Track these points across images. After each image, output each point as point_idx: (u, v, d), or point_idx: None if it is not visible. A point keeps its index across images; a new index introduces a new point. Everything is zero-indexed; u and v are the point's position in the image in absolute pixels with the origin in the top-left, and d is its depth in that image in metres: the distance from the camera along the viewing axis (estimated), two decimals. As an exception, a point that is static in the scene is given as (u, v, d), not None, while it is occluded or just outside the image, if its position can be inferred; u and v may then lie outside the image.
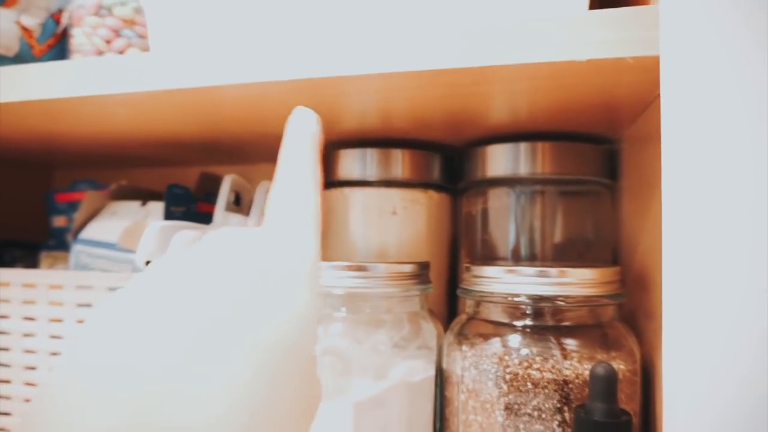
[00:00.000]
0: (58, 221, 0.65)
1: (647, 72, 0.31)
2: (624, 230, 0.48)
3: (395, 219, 0.52)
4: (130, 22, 0.49)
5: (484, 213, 0.51)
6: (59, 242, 0.64)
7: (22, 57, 0.48)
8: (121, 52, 0.49)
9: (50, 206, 0.65)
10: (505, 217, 0.50)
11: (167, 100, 0.40)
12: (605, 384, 0.29)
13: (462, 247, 0.54)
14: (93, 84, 0.39)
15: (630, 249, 0.45)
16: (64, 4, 0.51)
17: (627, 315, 0.40)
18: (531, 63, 0.31)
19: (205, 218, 0.50)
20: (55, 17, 0.50)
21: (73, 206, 0.64)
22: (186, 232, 0.40)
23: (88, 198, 0.53)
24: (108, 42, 0.49)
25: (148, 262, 0.39)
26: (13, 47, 0.47)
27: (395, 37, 0.33)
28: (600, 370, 0.30)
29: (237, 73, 0.36)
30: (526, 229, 0.50)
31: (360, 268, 0.39)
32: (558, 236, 0.49)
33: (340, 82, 0.36)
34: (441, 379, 0.40)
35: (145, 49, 0.49)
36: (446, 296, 0.54)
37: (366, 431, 0.37)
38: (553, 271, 0.35)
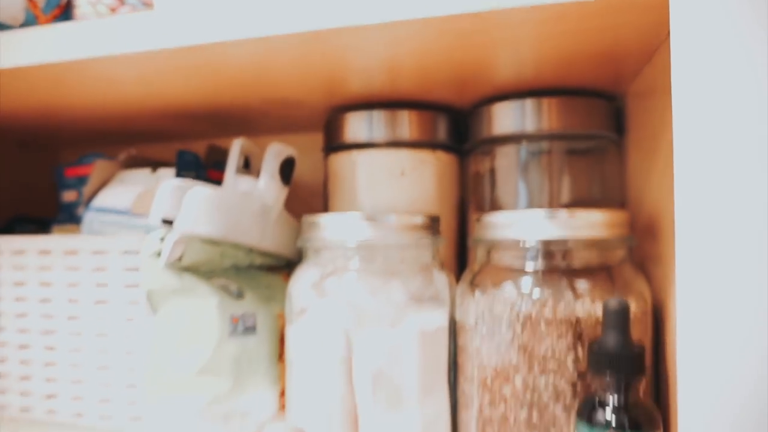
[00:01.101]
0: (68, 196, 0.65)
1: (654, 11, 0.31)
2: (631, 184, 0.49)
3: (404, 180, 0.52)
4: (134, -11, 0.49)
5: (492, 172, 0.52)
6: (69, 216, 0.64)
7: (27, 27, 0.48)
8: (126, 19, 0.49)
9: (59, 181, 0.65)
10: (513, 175, 0.51)
11: (173, 63, 0.41)
12: (618, 317, 0.30)
13: (470, 207, 0.55)
14: (99, 44, 0.39)
15: (638, 201, 0.45)
16: (68, -26, 0.51)
17: (637, 263, 0.41)
18: (538, 5, 0.31)
19: (215, 185, 0.50)
20: (60, -14, 0.51)
21: (82, 180, 0.64)
22: (199, 188, 0.40)
23: (97, 167, 0.53)
24: (113, 10, 0.49)
25: (164, 221, 0.39)
26: (18, 17, 0.48)
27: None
28: (613, 303, 0.30)
29: (240, 28, 0.36)
30: (535, 186, 0.50)
31: (372, 220, 0.39)
32: (566, 192, 0.49)
33: (346, 33, 0.36)
34: (454, 329, 0.41)
35: (151, 15, 0.49)
36: (456, 257, 0.55)
37: (383, 379, 0.38)
38: (563, 214, 0.35)
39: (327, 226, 0.40)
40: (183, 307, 0.40)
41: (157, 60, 0.40)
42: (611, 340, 0.30)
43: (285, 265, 0.53)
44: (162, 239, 0.40)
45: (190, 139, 0.73)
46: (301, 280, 0.41)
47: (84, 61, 0.41)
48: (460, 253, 0.55)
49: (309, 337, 0.40)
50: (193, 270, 0.42)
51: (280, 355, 0.46)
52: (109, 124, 0.64)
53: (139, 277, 0.45)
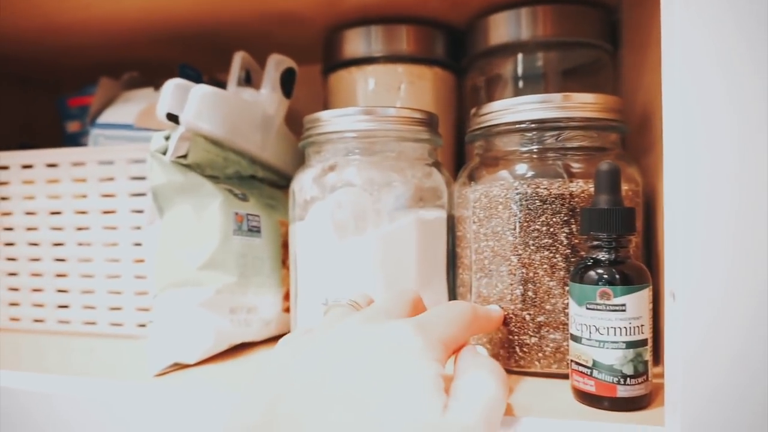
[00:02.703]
0: (72, 126, 0.66)
1: None
2: (624, 87, 0.50)
3: (401, 95, 0.53)
4: None
5: (489, 83, 0.52)
6: (74, 146, 0.65)
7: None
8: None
9: (63, 112, 0.66)
10: (509, 86, 0.51)
11: None
12: (609, 177, 0.31)
13: (468, 121, 0.55)
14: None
15: (631, 101, 0.46)
16: None
17: (631, 154, 0.42)
18: None
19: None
20: None
21: (85, 110, 0.65)
22: (204, 86, 0.41)
23: (102, 86, 0.54)
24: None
25: (168, 115, 0.40)
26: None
27: None
28: (604, 165, 0.31)
29: None
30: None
31: (370, 112, 0.40)
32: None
33: None
34: (453, 224, 0.42)
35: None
36: (453, 174, 0.56)
37: (384, 263, 0.39)
38: (557, 96, 0.36)
39: (327, 121, 0.41)
40: (188, 204, 0.42)
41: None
42: (602, 201, 0.31)
43: (285, 185, 0.54)
44: (167, 138, 0.41)
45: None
46: (304, 176, 0.43)
47: None
48: (458, 171, 0.56)
49: (313, 229, 0.41)
50: (197, 171, 0.43)
51: (284, 261, 0.48)
52: (109, 54, 0.64)
53: (146, 184, 0.46)
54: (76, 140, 0.66)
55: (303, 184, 0.42)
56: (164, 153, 0.41)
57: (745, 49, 0.24)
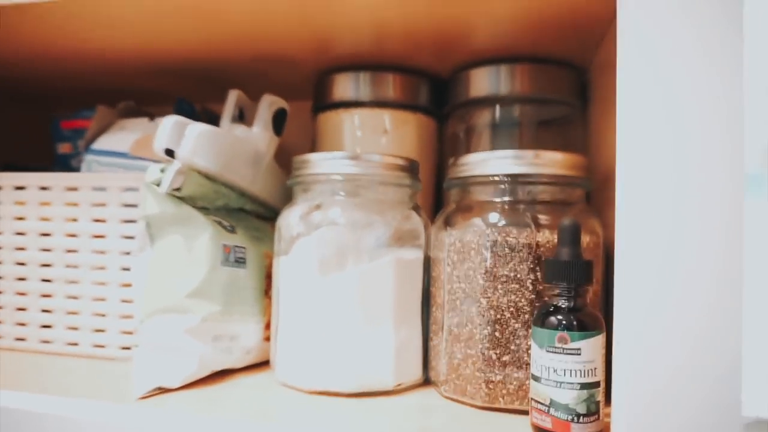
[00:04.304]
0: (63, 148, 0.68)
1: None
2: (592, 142, 0.54)
3: (386, 138, 0.57)
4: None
5: (468, 131, 0.56)
6: (64, 167, 0.67)
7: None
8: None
9: (55, 133, 0.68)
10: (486, 135, 0.55)
11: (166, 13, 0.44)
12: (570, 232, 0.35)
13: (447, 169, 0.59)
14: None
15: (597, 156, 0.50)
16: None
17: (596, 208, 0.46)
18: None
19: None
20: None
21: (77, 133, 0.67)
22: (200, 124, 0.44)
23: (99, 113, 0.56)
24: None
25: (166, 150, 0.43)
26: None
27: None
28: (566, 221, 0.35)
29: None
30: (506, 146, 0.54)
31: (356, 157, 0.43)
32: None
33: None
34: (428, 265, 0.45)
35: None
36: (432, 214, 0.59)
37: (363, 299, 0.42)
38: (529, 154, 0.40)
39: (315, 163, 0.44)
40: (179, 234, 0.44)
41: (148, 7, 0.43)
42: (564, 253, 0.34)
43: (272, 217, 0.57)
44: (162, 170, 0.44)
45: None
46: (291, 213, 0.45)
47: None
48: (436, 211, 0.59)
49: (297, 264, 0.43)
50: (189, 203, 0.45)
51: (266, 291, 0.50)
52: (102, 81, 0.66)
53: (137, 211, 0.48)
54: (66, 161, 0.67)
55: (290, 220, 0.45)
56: (159, 184, 0.44)
57: (693, 114, 0.28)
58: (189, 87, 0.67)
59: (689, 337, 0.28)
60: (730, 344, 0.28)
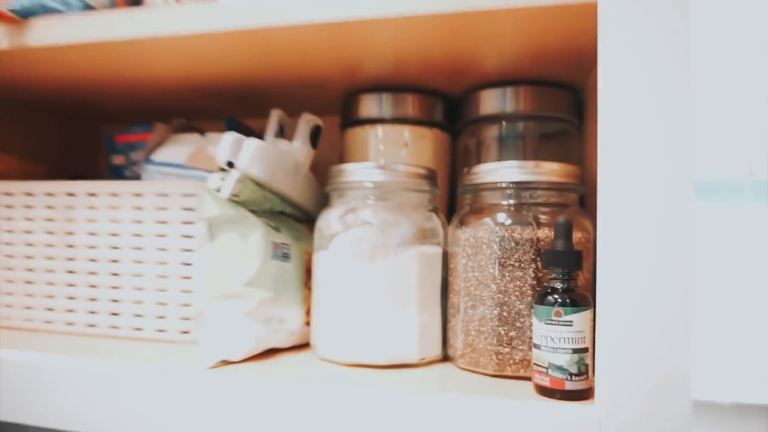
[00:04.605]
0: (117, 159, 0.76)
1: (587, 17, 0.44)
2: (587, 154, 0.62)
3: (406, 151, 0.65)
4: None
5: (478, 144, 0.64)
6: (118, 176, 0.75)
7: (109, 7, 0.60)
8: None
9: (110, 147, 0.76)
10: (494, 148, 0.63)
11: (230, 44, 0.52)
12: (564, 228, 0.43)
13: (459, 177, 0.67)
14: (171, 25, 0.51)
15: (590, 165, 0.58)
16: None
17: (590, 210, 0.54)
18: (512, 8, 0.44)
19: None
20: (133, -19, 0.62)
21: (130, 146, 0.75)
22: (253, 140, 0.52)
23: (158, 129, 0.65)
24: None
25: (228, 163, 0.51)
26: (103, 3, 0.59)
27: (418, -11, 0.46)
28: (561, 219, 0.43)
29: (286, 16, 0.48)
30: (511, 157, 0.63)
31: (384, 167, 0.51)
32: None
33: (364, 24, 0.48)
34: (446, 259, 0.53)
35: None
36: (447, 218, 0.67)
37: (391, 287, 0.50)
38: (530, 164, 0.48)
39: (350, 172, 0.52)
40: (236, 233, 0.52)
41: (216, 40, 0.52)
42: (559, 245, 0.42)
43: (305, 219, 0.65)
44: (222, 179, 0.52)
45: (218, 118, 0.84)
46: (329, 215, 0.53)
47: (155, 40, 0.52)
48: (450, 217, 0.67)
49: (335, 257, 0.52)
50: (243, 206, 0.53)
51: (306, 283, 0.58)
52: (150, 100, 0.75)
53: (196, 214, 0.56)
54: (119, 171, 0.76)
55: (329, 221, 0.53)
56: (219, 190, 0.52)
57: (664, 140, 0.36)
58: (228, 104, 0.76)
59: (652, 316, 0.36)
60: (682, 331, 0.36)
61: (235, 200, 0.52)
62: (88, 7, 0.55)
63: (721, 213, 0.92)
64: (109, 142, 0.77)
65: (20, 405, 0.50)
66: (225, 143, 0.51)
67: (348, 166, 0.53)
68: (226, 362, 0.49)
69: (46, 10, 0.53)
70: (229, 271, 0.51)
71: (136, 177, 0.73)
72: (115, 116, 0.88)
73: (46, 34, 0.53)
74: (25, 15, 0.53)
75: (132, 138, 0.76)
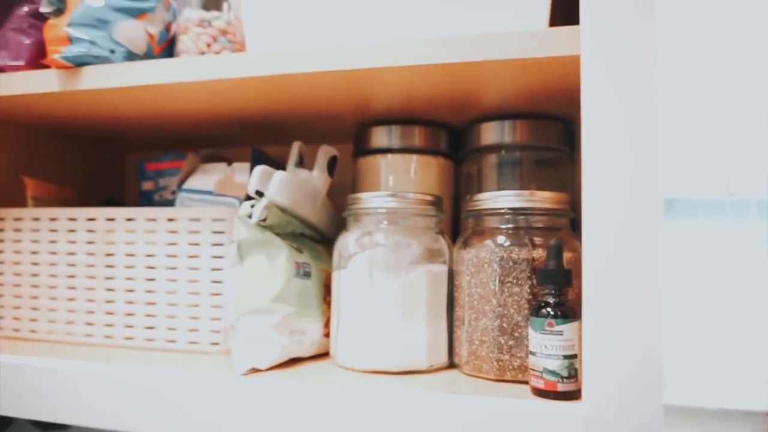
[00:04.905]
0: (147, 185, 0.83)
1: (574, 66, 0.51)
2: (578, 181, 0.68)
3: (413, 178, 0.71)
4: (224, 32, 0.68)
5: (479, 171, 0.71)
6: (148, 201, 0.82)
7: (147, 55, 0.66)
8: (217, 53, 0.68)
9: (141, 174, 0.83)
10: (493, 175, 0.70)
11: (256, 88, 0.59)
12: (555, 250, 0.49)
13: (462, 203, 0.73)
14: (202, 72, 0.58)
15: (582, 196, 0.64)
16: (172, 18, 0.70)
17: (578, 233, 0.60)
18: (510, 59, 0.51)
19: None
20: (167, 27, 0.69)
21: (159, 173, 0.82)
22: (281, 172, 0.58)
23: (189, 159, 0.71)
24: (208, 45, 0.67)
25: (257, 192, 0.57)
26: (142, 48, 0.66)
27: (417, 43, 0.52)
28: (553, 242, 0.49)
29: (305, 66, 0.55)
30: (509, 183, 0.69)
31: (396, 195, 0.58)
32: (531, 188, 0.68)
33: (378, 72, 0.54)
34: (451, 277, 0.59)
35: (234, 51, 0.68)
36: (452, 238, 0.73)
37: (404, 302, 0.56)
38: (526, 192, 0.54)
39: (365, 200, 0.58)
40: (263, 254, 0.58)
41: (242, 84, 0.59)
42: (551, 265, 0.49)
43: (322, 240, 0.71)
44: (252, 206, 0.58)
45: (238, 145, 0.91)
46: (347, 237, 0.60)
47: (188, 83, 0.59)
48: (454, 238, 0.74)
49: (353, 275, 0.58)
50: (270, 230, 0.60)
51: (324, 298, 0.64)
52: (175, 131, 0.82)
53: (225, 237, 0.63)
54: (149, 196, 0.83)
55: (347, 242, 0.59)
56: (250, 216, 0.58)
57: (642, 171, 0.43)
58: (251, 134, 0.83)
59: (629, 330, 0.42)
60: (654, 342, 0.42)
61: (263, 225, 0.59)
62: (131, 55, 0.62)
63: (705, 228, 0.99)
64: (140, 169, 0.83)
65: (73, 407, 0.56)
66: (255, 175, 0.58)
67: (363, 195, 0.59)
68: (255, 370, 0.55)
69: (95, 59, 0.60)
70: (257, 289, 0.57)
71: (165, 201, 0.80)
72: (141, 144, 0.95)
73: (94, 79, 0.60)
74: (76, 63, 0.60)
75: (161, 166, 0.82)
